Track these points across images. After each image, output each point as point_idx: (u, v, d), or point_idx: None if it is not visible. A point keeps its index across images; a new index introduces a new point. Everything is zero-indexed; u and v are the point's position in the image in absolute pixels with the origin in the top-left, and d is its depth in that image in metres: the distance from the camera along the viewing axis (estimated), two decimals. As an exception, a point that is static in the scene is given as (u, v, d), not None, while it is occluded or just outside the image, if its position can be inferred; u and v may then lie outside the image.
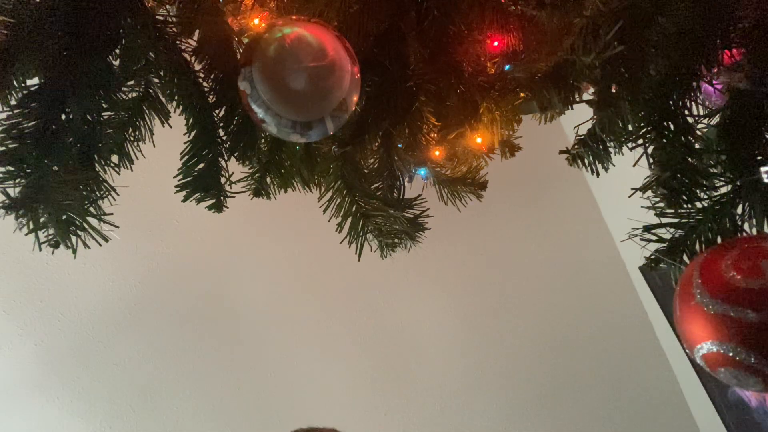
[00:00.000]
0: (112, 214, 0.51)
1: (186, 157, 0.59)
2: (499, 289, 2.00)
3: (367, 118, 0.64)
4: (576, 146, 0.59)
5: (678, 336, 0.45)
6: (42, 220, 0.45)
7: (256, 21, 0.71)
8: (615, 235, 2.04)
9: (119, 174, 0.60)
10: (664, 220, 0.52)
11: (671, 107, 0.50)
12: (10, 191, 0.42)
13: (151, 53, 0.54)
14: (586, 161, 0.58)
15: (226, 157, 0.60)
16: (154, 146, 0.65)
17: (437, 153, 0.88)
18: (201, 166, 0.59)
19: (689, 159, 0.50)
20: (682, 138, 0.50)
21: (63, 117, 0.46)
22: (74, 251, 0.48)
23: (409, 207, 0.70)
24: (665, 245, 0.52)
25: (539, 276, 2.02)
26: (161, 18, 0.53)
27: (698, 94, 0.50)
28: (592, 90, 0.56)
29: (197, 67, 0.56)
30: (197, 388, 1.80)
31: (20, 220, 0.44)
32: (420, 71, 0.65)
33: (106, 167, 0.57)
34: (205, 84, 0.56)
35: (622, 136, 0.54)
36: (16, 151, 0.43)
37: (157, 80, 0.58)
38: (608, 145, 0.56)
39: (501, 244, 2.04)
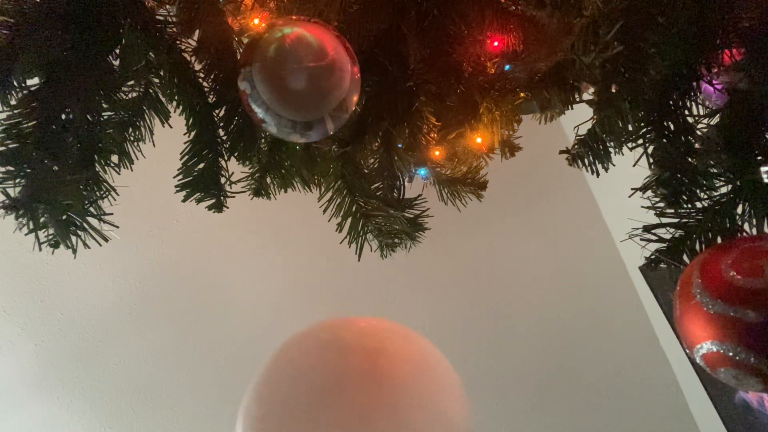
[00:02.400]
0: (112, 214, 0.51)
1: (186, 157, 0.59)
2: (498, 288, 2.00)
3: (367, 118, 0.64)
4: (576, 146, 0.58)
5: (678, 336, 0.45)
6: (42, 220, 0.45)
7: (256, 21, 0.71)
8: (615, 235, 2.04)
9: (119, 174, 0.60)
10: (664, 220, 0.52)
11: (671, 107, 0.50)
12: (10, 191, 0.42)
13: (151, 53, 0.54)
14: (586, 161, 0.58)
15: (226, 157, 0.60)
16: (154, 146, 0.65)
17: (437, 153, 0.88)
18: (201, 166, 0.59)
19: (689, 159, 0.50)
20: (682, 138, 0.50)
21: (63, 117, 0.46)
22: (74, 251, 0.48)
23: (409, 207, 0.70)
24: (665, 245, 0.52)
25: (539, 276, 2.02)
26: (161, 18, 0.53)
27: (698, 94, 0.50)
28: (592, 90, 0.56)
29: (197, 67, 0.56)
30: (197, 388, 1.80)
31: (20, 220, 0.44)
32: (420, 71, 0.65)
33: (106, 167, 0.57)
34: (205, 84, 0.56)
35: (622, 136, 0.54)
36: (16, 151, 0.43)
37: (157, 80, 0.58)
38: (608, 145, 0.56)
39: (501, 244, 2.04)
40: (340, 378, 0.46)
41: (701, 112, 0.51)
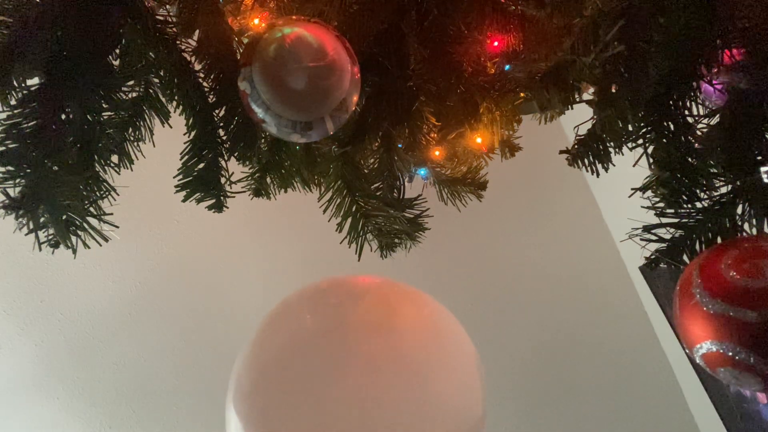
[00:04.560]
0: (112, 214, 0.51)
1: (186, 157, 0.59)
2: (498, 289, 2.00)
3: (367, 118, 0.64)
4: (576, 146, 0.58)
5: (678, 336, 0.45)
6: (42, 220, 0.45)
7: (256, 21, 0.71)
8: (615, 235, 2.04)
9: (119, 174, 0.60)
10: (664, 220, 0.52)
11: (671, 107, 0.50)
12: (10, 191, 0.42)
13: (151, 53, 0.54)
14: (586, 161, 0.58)
15: (226, 157, 0.60)
16: (154, 146, 0.65)
17: (437, 153, 0.88)
18: (201, 166, 0.59)
19: (689, 159, 0.50)
20: (682, 138, 0.50)
21: (63, 117, 0.46)
22: (74, 251, 0.48)
23: (409, 207, 0.70)
24: (665, 245, 0.52)
25: (539, 276, 2.02)
26: (161, 18, 0.53)
27: (698, 94, 0.50)
28: (592, 90, 0.56)
29: (197, 67, 0.56)
30: (197, 388, 1.80)
31: (20, 220, 0.44)
32: (420, 71, 0.65)
33: (106, 167, 0.57)
34: (205, 84, 0.56)
35: (622, 136, 0.54)
36: (16, 151, 0.43)
37: (157, 80, 0.58)
38: (608, 145, 0.56)
39: (501, 245, 2.04)
40: (343, 348, 0.40)
41: (701, 112, 0.51)
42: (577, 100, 0.64)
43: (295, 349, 0.41)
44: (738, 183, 0.49)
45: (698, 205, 0.51)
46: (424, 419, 0.39)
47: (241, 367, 0.42)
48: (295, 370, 0.39)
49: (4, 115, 0.44)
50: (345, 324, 0.42)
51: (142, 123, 0.61)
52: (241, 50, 0.55)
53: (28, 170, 0.43)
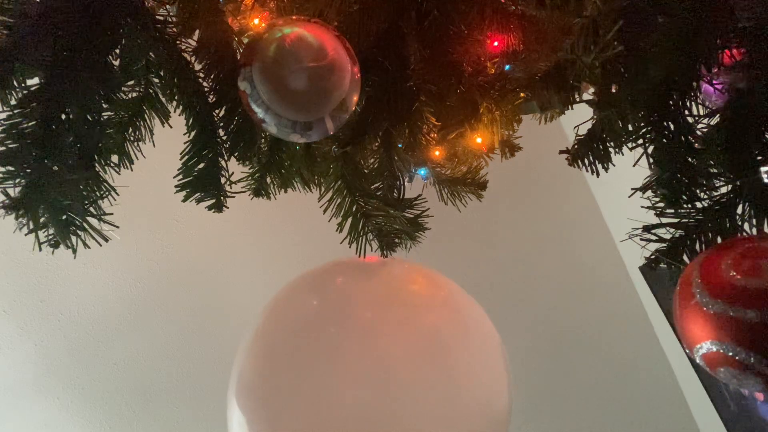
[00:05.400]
0: (112, 214, 0.51)
1: (186, 157, 0.59)
2: (498, 288, 2.00)
3: (367, 118, 0.64)
4: (576, 146, 0.59)
5: (678, 336, 0.45)
6: (42, 220, 0.45)
7: (256, 21, 0.71)
8: (615, 235, 2.04)
9: (119, 174, 0.60)
10: (664, 220, 0.52)
11: (671, 107, 0.50)
12: (10, 191, 0.42)
13: (151, 53, 0.54)
14: (586, 161, 0.58)
15: (226, 157, 0.60)
16: (154, 146, 0.65)
17: (437, 153, 0.88)
18: (201, 166, 0.59)
19: (689, 159, 0.50)
20: (682, 138, 0.50)
21: (63, 117, 0.46)
22: (74, 251, 0.48)
23: (409, 207, 0.70)
24: (665, 245, 0.52)
25: (539, 276, 2.02)
26: (161, 18, 0.53)
27: (698, 94, 0.50)
28: (592, 90, 0.56)
29: (197, 67, 0.56)
30: (198, 388, 1.80)
31: (20, 220, 0.44)
32: (420, 71, 0.65)
33: (106, 167, 0.57)
34: (205, 84, 0.56)
35: (622, 136, 0.54)
36: (16, 151, 0.43)
37: (157, 80, 0.58)
38: (608, 145, 0.56)
39: (501, 244, 2.04)
40: (352, 327, 0.36)
41: (701, 112, 0.51)
42: (577, 100, 0.64)
43: (300, 333, 0.38)
44: (738, 183, 0.49)
45: (698, 205, 0.51)
46: (446, 402, 0.36)
47: (243, 358, 0.39)
48: (302, 356, 0.36)
49: (4, 115, 0.44)
50: (352, 302, 0.39)
51: (142, 123, 0.61)
52: (241, 50, 0.55)
53: (28, 170, 0.43)
